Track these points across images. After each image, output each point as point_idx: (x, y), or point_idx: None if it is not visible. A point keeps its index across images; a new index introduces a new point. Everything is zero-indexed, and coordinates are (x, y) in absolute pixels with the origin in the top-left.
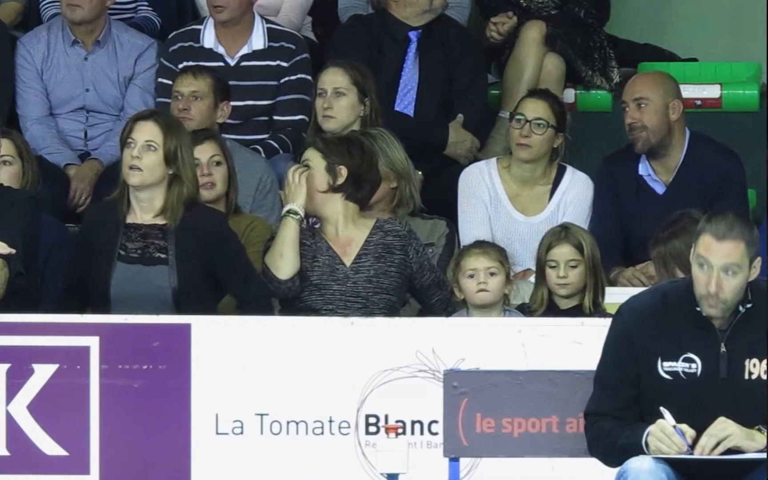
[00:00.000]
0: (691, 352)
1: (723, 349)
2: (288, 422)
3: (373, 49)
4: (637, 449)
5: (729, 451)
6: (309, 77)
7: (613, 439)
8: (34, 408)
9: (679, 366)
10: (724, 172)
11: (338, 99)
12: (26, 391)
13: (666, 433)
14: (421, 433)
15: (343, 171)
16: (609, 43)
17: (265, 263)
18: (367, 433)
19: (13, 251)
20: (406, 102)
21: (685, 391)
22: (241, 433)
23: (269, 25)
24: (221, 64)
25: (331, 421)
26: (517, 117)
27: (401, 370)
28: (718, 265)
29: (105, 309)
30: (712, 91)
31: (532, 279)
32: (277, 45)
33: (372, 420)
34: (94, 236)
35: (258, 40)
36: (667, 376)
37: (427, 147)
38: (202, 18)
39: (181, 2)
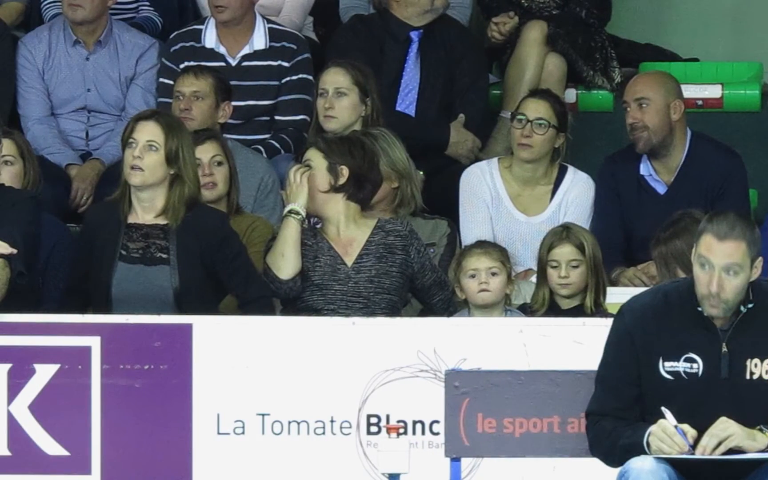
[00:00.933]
0: (692, 352)
1: (724, 349)
2: (289, 422)
3: (374, 49)
4: (639, 449)
5: (730, 452)
6: (310, 77)
7: (614, 439)
8: (36, 408)
9: (681, 366)
10: (726, 172)
11: (339, 99)
12: (28, 391)
13: (667, 433)
14: (423, 433)
15: (345, 171)
16: (610, 43)
17: (267, 263)
18: (369, 433)
19: (15, 251)
20: (407, 102)
21: (687, 391)
22: (243, 433)
23: (270, 25)
24: (222, 64)
25: (332, 421)
26: (519, 117)
27: (403, 370)
28: (719, 265)
29: (106, 309)
30: (713, 91)
31: (534, 279)
32: (278, 45)
33: (373, 420)
34: (95, 236)
35: (259, 40)
36: (668, 376)
37: (428, 147)
38: (204, 18)
39: (182, 2)
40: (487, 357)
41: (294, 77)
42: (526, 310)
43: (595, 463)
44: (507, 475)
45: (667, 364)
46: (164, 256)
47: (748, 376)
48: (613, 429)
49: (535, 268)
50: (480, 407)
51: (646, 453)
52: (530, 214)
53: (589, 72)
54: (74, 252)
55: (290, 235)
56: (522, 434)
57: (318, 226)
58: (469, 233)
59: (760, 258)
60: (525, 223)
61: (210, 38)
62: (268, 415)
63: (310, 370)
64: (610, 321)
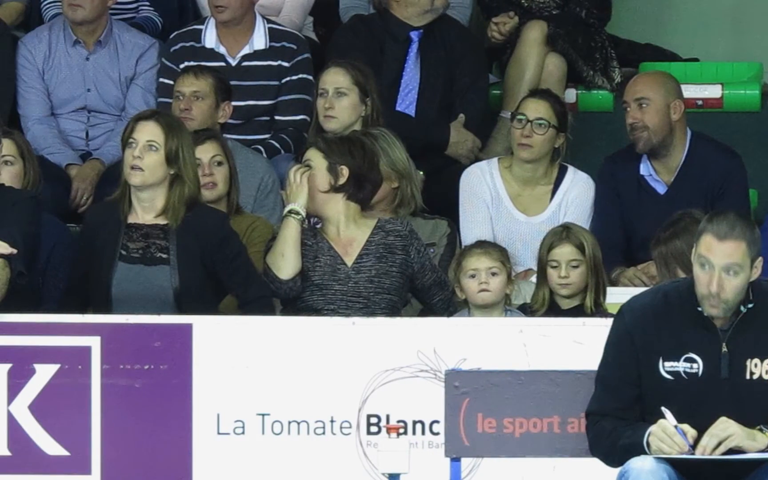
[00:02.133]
0: (692, 352)
1: (724, 349)
2: (289, 422)
3: (374, 49)
4: (639, 449)
5: (730, 451)
6: (310, 77)
7: (614, 439)
8: (36, 408)
9: (681, 366)
10: (726, 172)
11: (339, 99)
12: (28, 391)
13: (667, 433)
14: (423, 433)
15: (345, 171)
16: (610, 43)
17: (267, 263)
18: (369, 433)
19: (15, 251)
20: (407, 102)
21: (687, 391)
22: (243, 433)
23: (270, 25)
24: (222, 64)
25: (332, 421)
26: (519, 117)
27: (402, 370)
28: (719, 265)
29: (106, 309)
30: (713, 91)
31: (534, 279)
32: (278, 45)
33: (373, 420)
34: (95, 236)
35: (259, 40)
36: (668, 376)
37: (428, 147)
38: (204, 18)
39: (182, 2)
40: (487, 357)
41: (294, 77)
42: (526, 310)
43: (595, 463)
44: (507, 475)
45: (667, 364)
46: (164, 256)
47: (748, 376)
48: (613, 429)
49: (535, 268)
50: (480, 407)
51: (646, 453)
52: (530, 214)
53: (589, 72)
54: (74, 252)
55: (290, 235)
56: (522, 434)
57: (318, 226)
58: (469, 233)
59: (760, 258)
60: (525, 223)
61: (210, 38)
62: (268, 415)
63: (310, 370)
64: (610, 321)
